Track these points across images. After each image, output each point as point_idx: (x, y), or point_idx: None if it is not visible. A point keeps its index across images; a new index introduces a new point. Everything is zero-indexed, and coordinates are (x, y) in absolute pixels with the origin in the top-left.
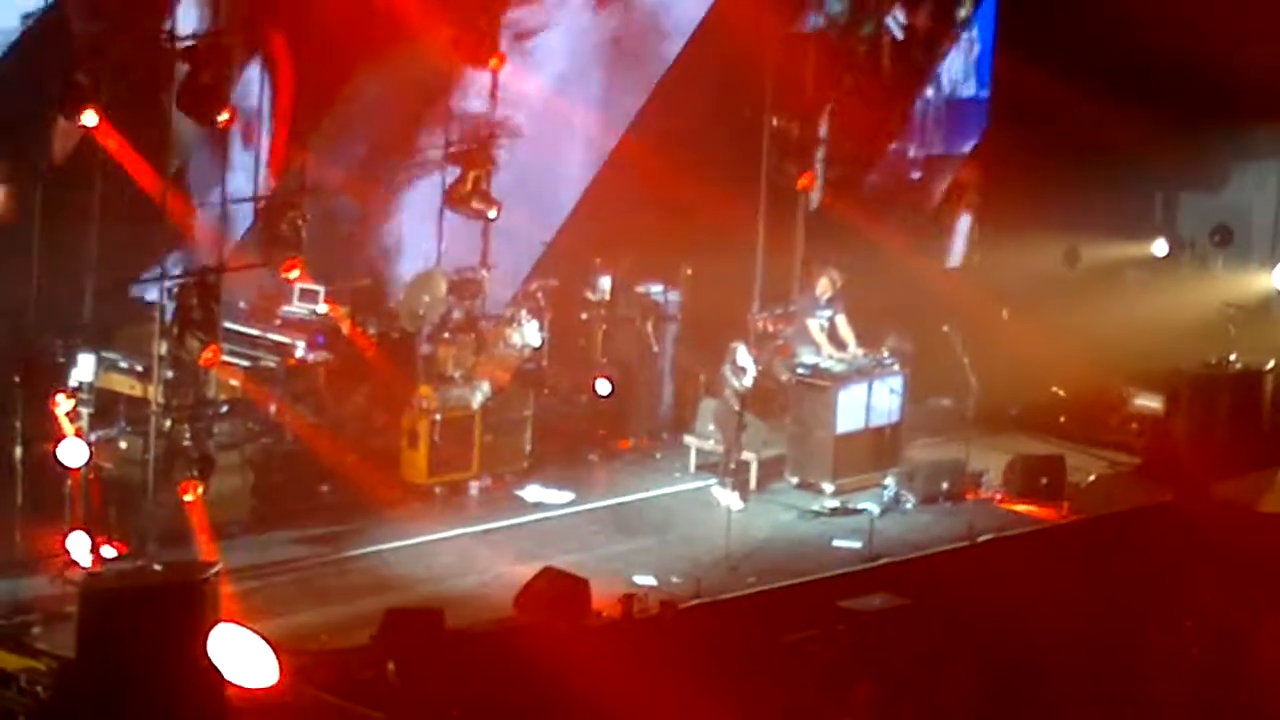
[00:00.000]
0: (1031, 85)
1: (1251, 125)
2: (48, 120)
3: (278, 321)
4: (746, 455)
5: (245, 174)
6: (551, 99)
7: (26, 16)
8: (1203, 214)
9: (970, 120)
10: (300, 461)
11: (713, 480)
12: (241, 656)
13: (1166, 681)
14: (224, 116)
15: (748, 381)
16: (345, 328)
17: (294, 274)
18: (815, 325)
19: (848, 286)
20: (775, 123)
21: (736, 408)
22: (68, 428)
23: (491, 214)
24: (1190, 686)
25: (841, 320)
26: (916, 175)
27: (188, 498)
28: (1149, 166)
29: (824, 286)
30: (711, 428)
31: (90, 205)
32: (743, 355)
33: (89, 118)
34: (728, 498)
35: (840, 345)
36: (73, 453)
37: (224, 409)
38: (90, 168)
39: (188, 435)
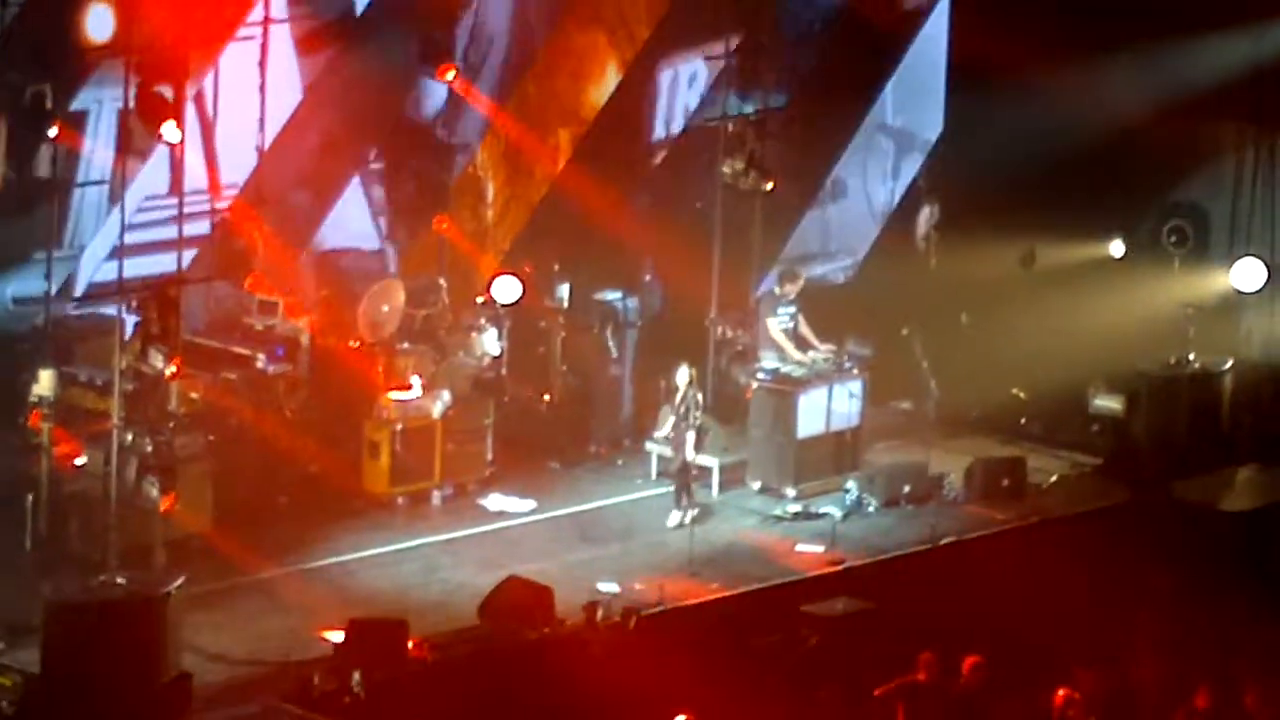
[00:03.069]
0: (988, 83)
1: (1208, 123)
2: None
3: (237, 334)
4: (706, 461)
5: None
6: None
7: None
8: (1159, 214)
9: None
10: (261, 473)
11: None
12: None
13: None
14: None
15: (677, 400)
16: (304, 339)
17: (252, 285)
18: (775, 325)
19: (805, 288)
20: (730, 127)
21: (676, 422)
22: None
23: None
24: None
25: (801, 320)
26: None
27: (163, 507)
28: (1105, 167)
29: (786, 286)
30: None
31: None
32: (680, 375)
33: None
34: (674, 517)
35: (804, 345)
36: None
37: (185, 421)
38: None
39: (149, 448)
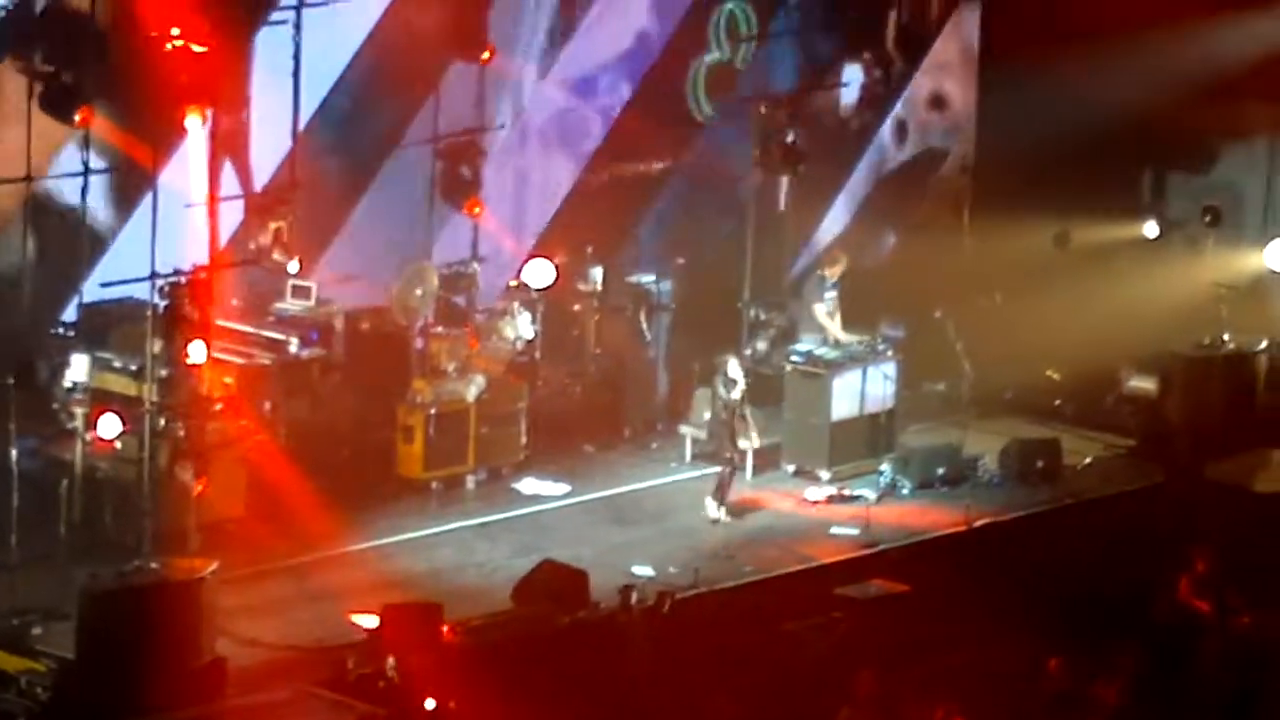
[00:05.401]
0: (1022, 64)
1: (1240, 103)
2: None
3: (270, 318)
4: (742, 445)
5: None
6: (543, 91)
7: None
8: (1193, 194)
9: None
10: (295, 458)
11: (709, 469)
12: None
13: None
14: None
15: (736, 394)
16: (338, 323)
17: (294, 268)
18: (821, 310)
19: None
20: (763, 109)
21: (725, 418)
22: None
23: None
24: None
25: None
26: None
27: (197, 492)
28: (1139, 147)
29: (833, 269)
30: (703, 425)
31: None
32: (733, 368)
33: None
34: (713, 509)
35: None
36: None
37: (218, 406)
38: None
39: (182, 433)
